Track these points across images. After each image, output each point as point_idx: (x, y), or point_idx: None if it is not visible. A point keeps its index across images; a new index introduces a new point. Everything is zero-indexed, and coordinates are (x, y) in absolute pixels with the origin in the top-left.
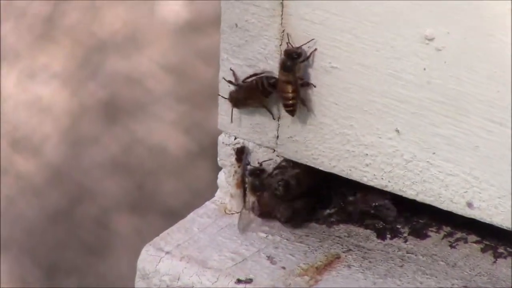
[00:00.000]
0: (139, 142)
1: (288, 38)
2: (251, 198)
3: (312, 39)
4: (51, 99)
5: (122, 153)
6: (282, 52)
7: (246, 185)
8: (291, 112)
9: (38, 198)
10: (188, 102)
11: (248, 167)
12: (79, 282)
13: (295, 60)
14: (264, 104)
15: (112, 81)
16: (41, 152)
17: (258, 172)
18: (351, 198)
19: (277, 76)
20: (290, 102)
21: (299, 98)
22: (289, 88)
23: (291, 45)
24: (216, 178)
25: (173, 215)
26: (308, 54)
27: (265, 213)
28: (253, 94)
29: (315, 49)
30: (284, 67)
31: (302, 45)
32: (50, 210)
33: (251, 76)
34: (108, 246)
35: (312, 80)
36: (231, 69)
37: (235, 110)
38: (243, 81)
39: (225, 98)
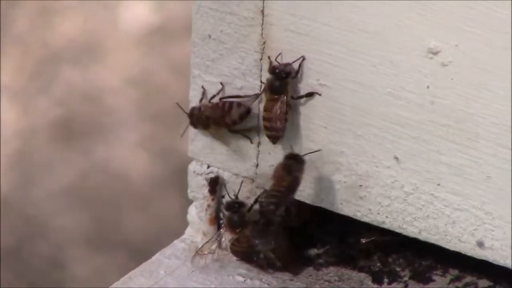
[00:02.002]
0: (98, 169)
1: (275, 54)
2: (228, 236)
3: (302, 57)
4: None
5: (79, 182)
6: (269, 69)
7: (222, 221)
8: (275, 139)
9: None
10: (155, 122)
11: (225, 200)
12: None
13: (284, 79)
14: (235, 129)
15: (67, 98)
16: None
17: (236, 205)
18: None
19: (249, 105)
20: (278, 127)
21: (286, 125)
22: (277, 111)
23: (278, 62)
24: (186, 212)
25: (137, 253)
26: (296, 68)
27: (246, 255)
28: (218, 118)
29: (303, 58)
30: (271, 88)
31: (293, 62)
32: None
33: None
34: None
35: (298, 101)
36: (202, 87)
37: (204, 133)
38: (210, 100)
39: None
